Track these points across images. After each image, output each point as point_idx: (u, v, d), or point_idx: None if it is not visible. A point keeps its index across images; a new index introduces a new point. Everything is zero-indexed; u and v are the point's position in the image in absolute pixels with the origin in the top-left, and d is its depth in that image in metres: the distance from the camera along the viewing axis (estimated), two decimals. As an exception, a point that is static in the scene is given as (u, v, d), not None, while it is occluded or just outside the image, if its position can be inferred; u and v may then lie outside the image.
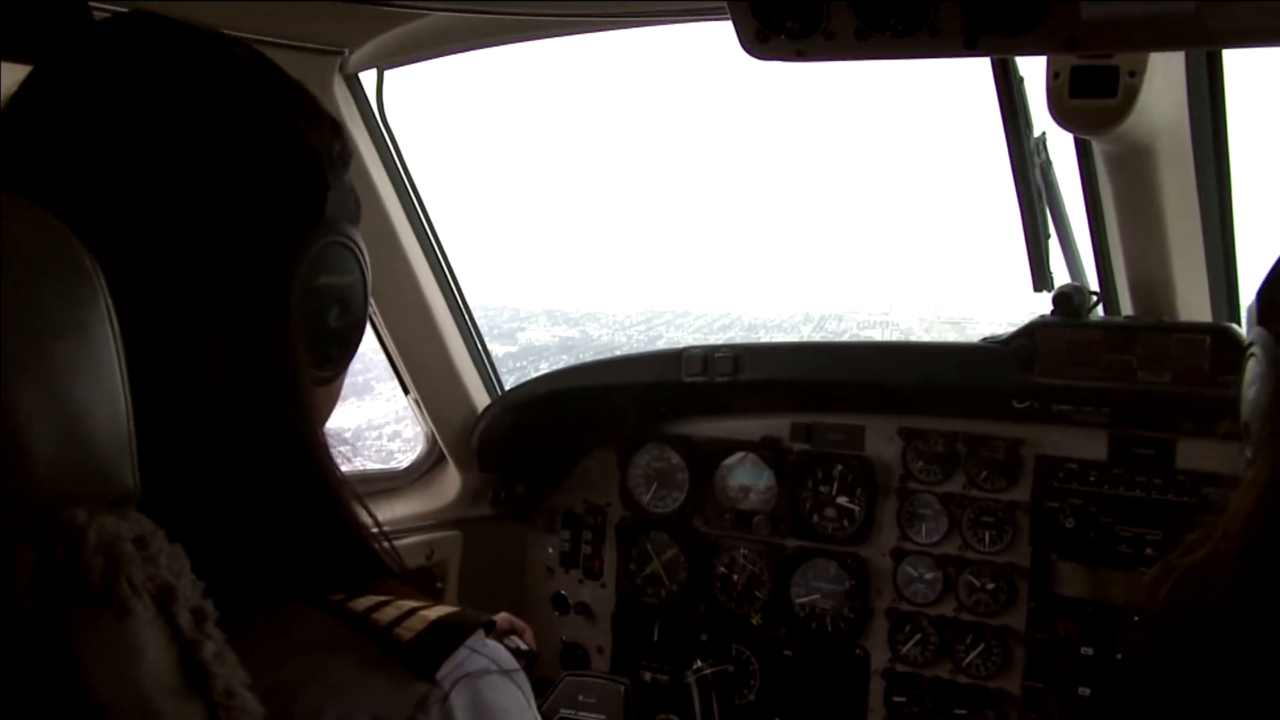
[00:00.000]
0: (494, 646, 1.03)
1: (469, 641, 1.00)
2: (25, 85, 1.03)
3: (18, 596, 0.74)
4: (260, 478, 1.03)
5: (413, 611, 0.99)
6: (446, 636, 0.99)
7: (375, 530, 1.11)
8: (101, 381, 0.80)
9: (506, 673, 1.03)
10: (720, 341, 3.23)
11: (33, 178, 0.98)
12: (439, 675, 0.97)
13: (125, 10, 1.06)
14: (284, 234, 1.03)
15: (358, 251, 1.11)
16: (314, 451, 1.08)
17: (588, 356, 3.44)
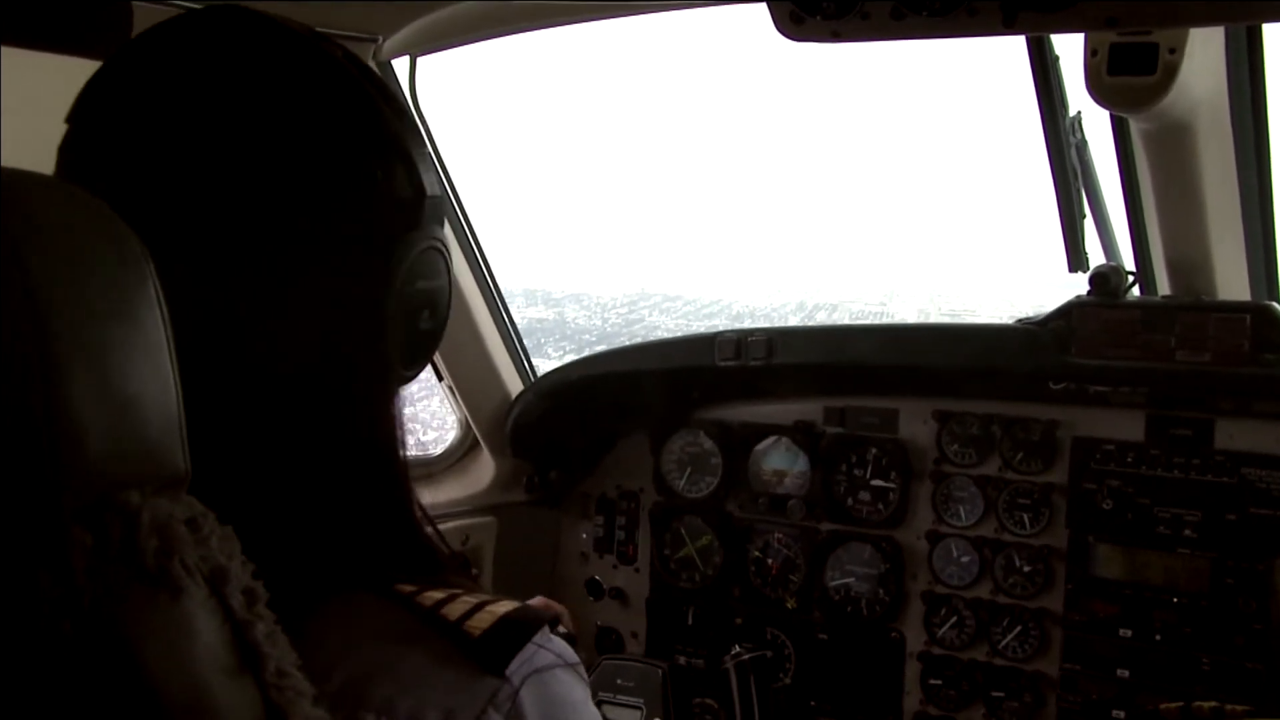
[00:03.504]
0: (558, 641, 1.05)
1: (535, 637, 1.02)
2: (101, 78, 1.05)
3: (74, 578, 0.75)
4: (341, 471, 1.06)
5: (480, 606, 1.01)
6: (515, 632, 1.00)
7: (429, 522, 1.13)
8: (152, 365, 0.81)
9: (571, 666, 1.05)
10: (703, 328, 3.22)
11: (128, 170, 1.00)
12: (509, 671, 0.98)
13: (176, 4, 1.07)
14: (388, 239, 1.06)
15: (447, 255, 1.13)
16: (391, 449, 1.11)
17: (550, 341, 3.44)
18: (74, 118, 1.04)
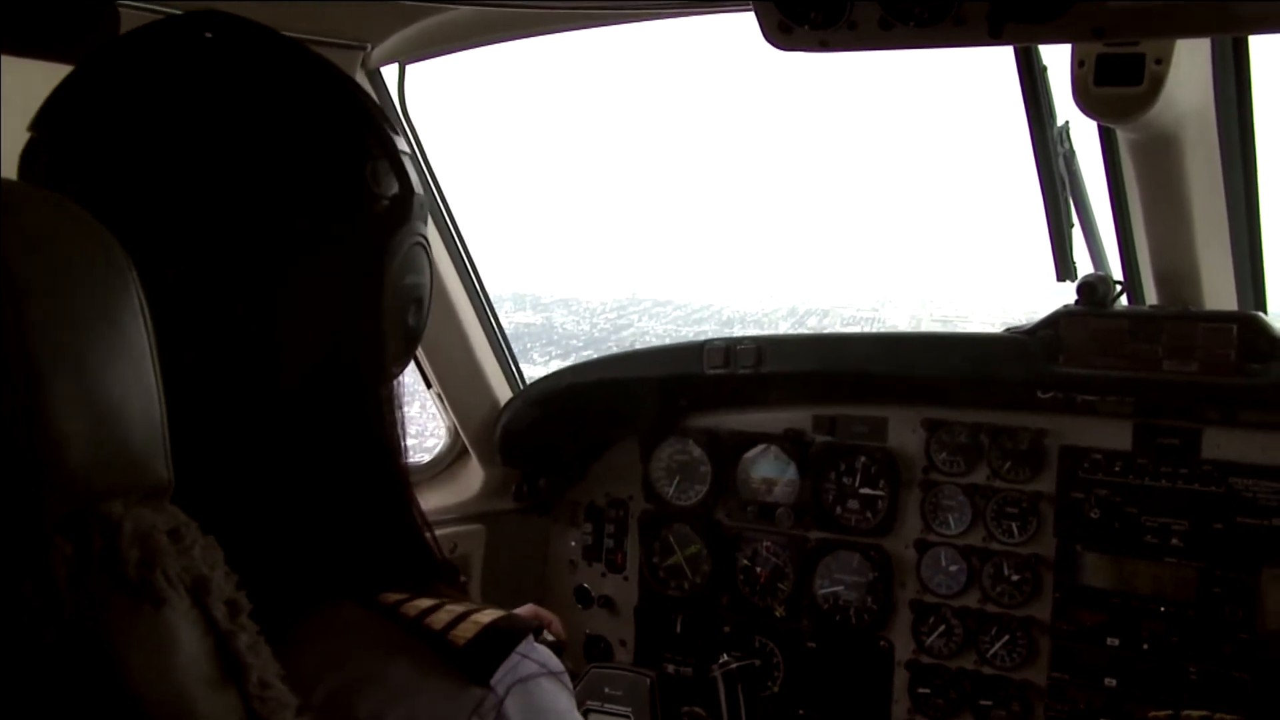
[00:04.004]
0: (542, 650, 1.05)
1: (519, 646, 1.02)
2: (72, 85, 1.03)
3: (56, 588, 0.74)
4: (343, 475, 1.06)
5: (464, 616, 1.01)
6: (499, 642, 1.00)
7: (428, 526, 1.14)
8: (135, 374, 0.80)
9: (555, 675, 1.05)
10: (691, 334, 3.22)
11: (111, 177, 0.99)
12: (493, 680, 0.98)
13: (160, 10, 1.07)
14: (378, 236, 1.06)
15: (430, 251, 1.14)
16: (394, 449, 1.11)
17: (536, 346, 3.43)
18: (42, 125, 1.03)
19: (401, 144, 1.11)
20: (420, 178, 1.12)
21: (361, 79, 2.64)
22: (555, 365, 3.44)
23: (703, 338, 3.17)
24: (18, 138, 1.04)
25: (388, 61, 2.70)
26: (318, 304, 1.03)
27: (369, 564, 1.05)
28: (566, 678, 1.07)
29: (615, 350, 3.44)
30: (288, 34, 1.09)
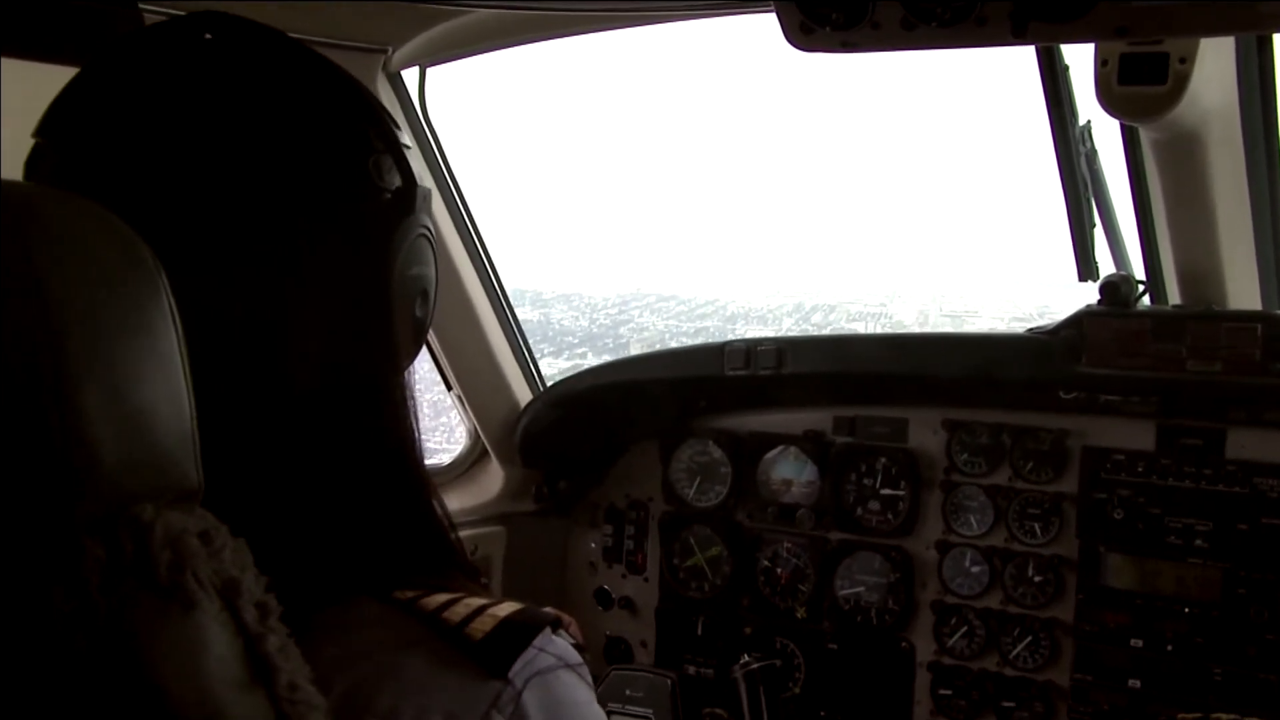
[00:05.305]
0: (560, 643, 1.05)
1: (536, 640, 1.01)
2: (78, 89, 1.04)
3: (88, 591, 0.75)
4: (361, 468, 1.07)
5: (481, 609, 1.01)
6: (517, 635, 1.00)
7: (449, 522, 1.14)
8: (165, 379, 0.81)
9: (573, 667, 1.05)
10: (693, 330, 3.22)
11: (123, 180, 0.99)
12: (511, 673, 0.98)
13: (181, 12, 1.08)
14: (383, 229, 1.07)
15: (434, 242, 1.15)
16: (409, 441, 1.12)
17: (530, 342, 3.41)
18: (47, 130, 1.03)
19: (404, 137, 1.12)
20: (442, 180, 1.13)
21: (383, 82, 2.65)
22: (548, 362, 3.43)
23: (704, 334, 3.17)
24: (17, 142, 1.05)
25: (409, 65, 2.71)
26: (327, 299, 1.04)
27: (387, 558, 1.06)
28: (585, 670, 1.07)
29: (611, 346, 3.44)
30: (309, 38, 1.09)
